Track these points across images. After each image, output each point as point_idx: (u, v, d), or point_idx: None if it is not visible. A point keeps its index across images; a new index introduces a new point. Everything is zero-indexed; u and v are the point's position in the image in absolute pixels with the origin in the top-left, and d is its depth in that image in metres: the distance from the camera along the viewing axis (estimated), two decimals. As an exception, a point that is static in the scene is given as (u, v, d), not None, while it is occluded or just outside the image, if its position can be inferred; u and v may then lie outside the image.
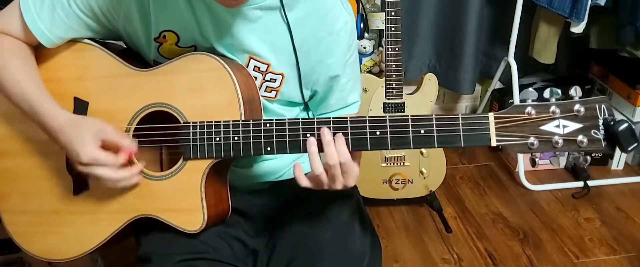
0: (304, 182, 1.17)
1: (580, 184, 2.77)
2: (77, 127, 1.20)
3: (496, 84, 2.98)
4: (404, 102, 2.38)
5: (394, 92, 2.35)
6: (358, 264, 1.30)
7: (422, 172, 2.48)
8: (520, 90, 2.72)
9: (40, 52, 1.32)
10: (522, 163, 2.79)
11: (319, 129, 1.14)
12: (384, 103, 2.37)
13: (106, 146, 1.20)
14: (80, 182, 1.31)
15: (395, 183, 2.50)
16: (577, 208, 2.65)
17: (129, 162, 1.21)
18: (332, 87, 1.36)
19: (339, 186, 1.16)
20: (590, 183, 2.77)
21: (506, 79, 2.87)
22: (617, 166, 2.95)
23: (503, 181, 2.88)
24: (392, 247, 2.41)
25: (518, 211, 2.65)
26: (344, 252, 1.29)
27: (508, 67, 2.73)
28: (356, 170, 1.16)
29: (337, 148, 1.12)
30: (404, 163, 2.47)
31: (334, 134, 1.13)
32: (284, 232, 1.34)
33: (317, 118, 1.14)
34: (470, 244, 2.42)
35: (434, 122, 1.07)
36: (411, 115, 1.09)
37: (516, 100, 2.71)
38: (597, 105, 1.02)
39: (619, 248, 2.39)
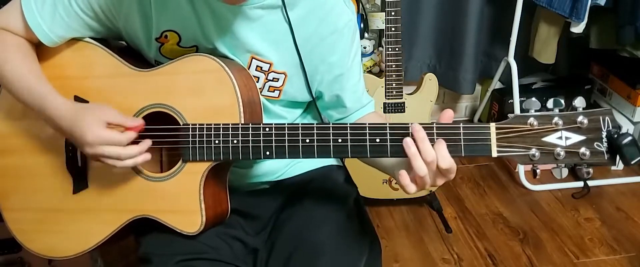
0: (412, 189, 1.08)
1: (580, 184, 2.77)
2: (81, 113, 1.20)
3: (496, 84, 2.98)
4: (404, 102, 2.37)
5: (394, 92, 2.34)
6: (356, 263, 1.30)
7: (422, 172, 2.47)
8: (520, 90, 2.72)
9: (40, 51, 1.32)
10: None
11: (318, 134, 1.12)
12: (384, 103, 2.37)
13: (112, 127, 1.19)
14: (80, 180, 1.32)
15: (395, 183, 2.48)
16: (577, 208, 2.66)
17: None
18: (343, 88, 1.35)
19: (441, 182, 1.09)
20: (590, 183, 2.77)
21: (506, 79, 2.87)
22: (617, 166, 2.94)
23: (503, 181, 2.88)
24: (392, 247, 2.41)
25: (518, 211, 2.65)
26: (342, 250, 1.29)
27: (508, 67, 2.73)
28: (455, 166, 1.09)
29: (440, 153, 1.04)
30: (404, 163, 2.46)
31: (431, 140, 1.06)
32: (283, 231, 1.34)
33: (317, 124, 1.13)
34: (470, 244, 2.43)
35: (435, 131, 1.06)
36: (412, 124, 1.07)
37: (516, 100, 2.72)
38: (601, 117, 1.00)
39: (619, 248, 2.39)
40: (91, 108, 1.23)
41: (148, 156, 1.22)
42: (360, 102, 1.40)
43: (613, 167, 2.93)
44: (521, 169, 2.80)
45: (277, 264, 1.29)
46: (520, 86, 2.75)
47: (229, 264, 1.29)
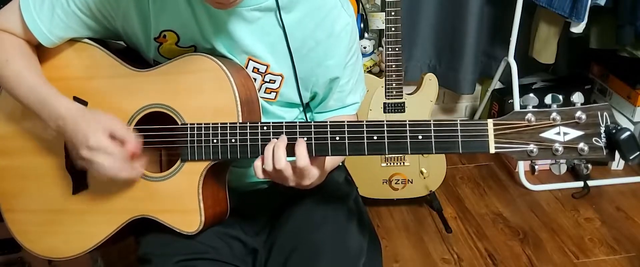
0: (259, 174, 1.16)
1: (580, 184, 2.77)
2: (87, 117, 1.21)
3: (496, 84, 2.98)
4: (404, 102, 2.37)
5: (394, 92, 2.35)
6: (355, 262, 1.30)
7: (422, 172, 2.48)
8: (520, 90, 2.72)
9: (39, 52, 1.32)
10: (522, 163, 2.79)
11: (316, 132, 1.13)
12: (384, 103, 2.37)
13: (113, 138, 1.20)
14: (79, 181, 1.32)
15: (395, 183, 2.50)
16: (577, 208, 2.65)
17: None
18: (332, 89, 1.36)
19: (291, 183, 1.17)
20: (590, 183, 2.77)
21: (506, 79, 2.87)
22: (617, 166, 2.94)
23: (503, 180, 2.88)
24: (392, 247, 2.41)
25: (518, 211, 2.65)
26: (341, 250, 1.29)
27: (508, 67, 2.73)
28: (315, 174, 1.16)
29: (297, 152, 1.12)
30: (404, 163, 2.47)
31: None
32: (282, 230, 1.34)
33: (314, 122, 1.13)
34: (470, 244, 2.43)
35: (432, 128, 1.06)
36: (409, 121, 1.08)
37: (516, 100, 2.71)
38: (599, 113, 1.00)
39: (619, 248, 2.39)
40: (98, 114, 1.23)
41: (138, 175, 1.25)
42: (343, 102, 1.41)
43: (613, 167, 2.93)
44: (521, 169, 2.80)
45: (276, 264, 1.29)
46: (520, 86, 2.75)
47: (228, 264, 1.29)
